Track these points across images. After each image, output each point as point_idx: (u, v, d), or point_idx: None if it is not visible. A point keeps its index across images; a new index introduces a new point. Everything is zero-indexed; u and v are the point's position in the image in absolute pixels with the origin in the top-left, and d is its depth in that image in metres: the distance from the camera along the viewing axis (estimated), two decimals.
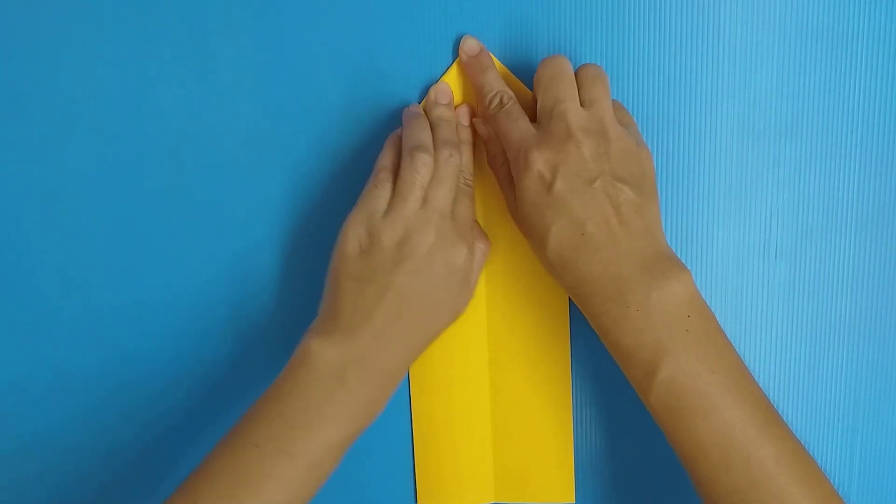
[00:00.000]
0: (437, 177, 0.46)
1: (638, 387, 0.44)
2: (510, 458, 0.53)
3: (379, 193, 0.46)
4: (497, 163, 0.49)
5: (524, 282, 0.52)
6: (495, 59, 0.49)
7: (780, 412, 0.46)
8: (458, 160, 0.47)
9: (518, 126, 0.46)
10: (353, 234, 0.46)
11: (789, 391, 0.53)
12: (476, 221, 0.50)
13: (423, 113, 0.49)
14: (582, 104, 0.45)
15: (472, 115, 0.50)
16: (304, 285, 0.52)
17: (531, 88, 0.49)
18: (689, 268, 0.44)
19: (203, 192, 0.51)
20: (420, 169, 0.45)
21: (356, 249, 0.45)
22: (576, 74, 0.47)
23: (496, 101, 0.47)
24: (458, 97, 0.50)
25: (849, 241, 0.52)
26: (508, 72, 0.50)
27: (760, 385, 0.53)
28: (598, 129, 0.44)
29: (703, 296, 0.48)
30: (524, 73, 0.50)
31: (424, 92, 0.50)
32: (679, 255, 0.51)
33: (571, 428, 0.53)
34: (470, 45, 0.49)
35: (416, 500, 0.54)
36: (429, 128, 0.48)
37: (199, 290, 0.52)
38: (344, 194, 0.50)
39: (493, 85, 0.48)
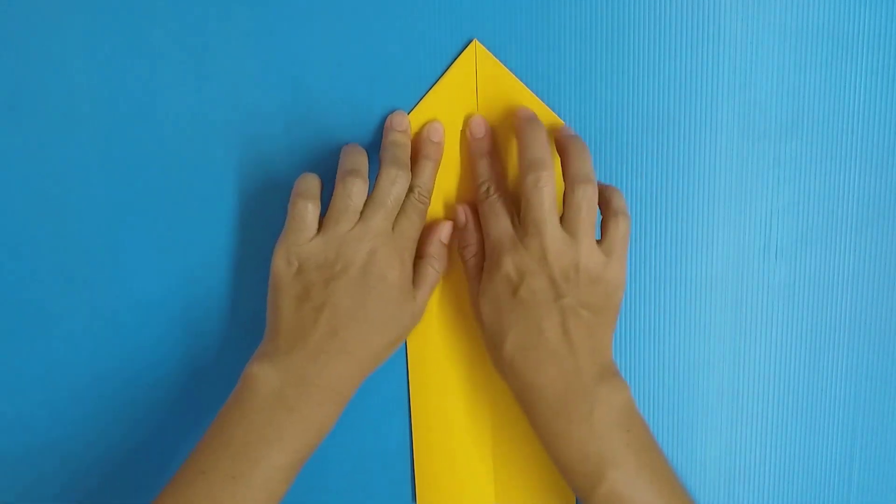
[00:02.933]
0: (375, 199, 0.46)
1: (580, 495, 0.45)
2: (510, 461, 0.53)
3: (306, 212, 0.46)
4: (469, 252, 0.50)
5: None
6: (509, 73, 0.49)
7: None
8: (405, 180, 0.47)
9: (499, 223, 0.47)
10: (282, 256, 0.46)
11: (789, 391, 0.53)
12: (440, 242, 0.50)
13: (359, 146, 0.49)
14: (564, 203, 0.46)
15: (443, 131, 0.50)
16: None
17: (533, 92, 0.49)
18: (627, 381, 0.46)
19: (203, 193, 0.51)
20: (352, 194, 0.46)
21: (288, 270, 0.46)
22: (564, 170, 0.46)
23: (483, 188, 0.48)
24: (446, 114, 0.50)
25: (849, 241, 0.52)
26: (522, 85, 0.50)
27: (760, 384, 0.54)
28: (571, 259, 0.45)
29: (704, 295, 0.50)
30: (522, 73, 0.50)
31: (423, 94, 0.50)
32: (679, 255, 0.52)
33: None
34: (476, 125, 0.49)
35: (415, 503, 0.54)
36: (365, 154, 0.48)
37: (195, 290, 0.52)
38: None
39: (484, 173, 0.49)
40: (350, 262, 0.45)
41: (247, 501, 0.43)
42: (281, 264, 0.46)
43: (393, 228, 0.47)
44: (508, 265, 0.46)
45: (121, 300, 0.52)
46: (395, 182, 0.46)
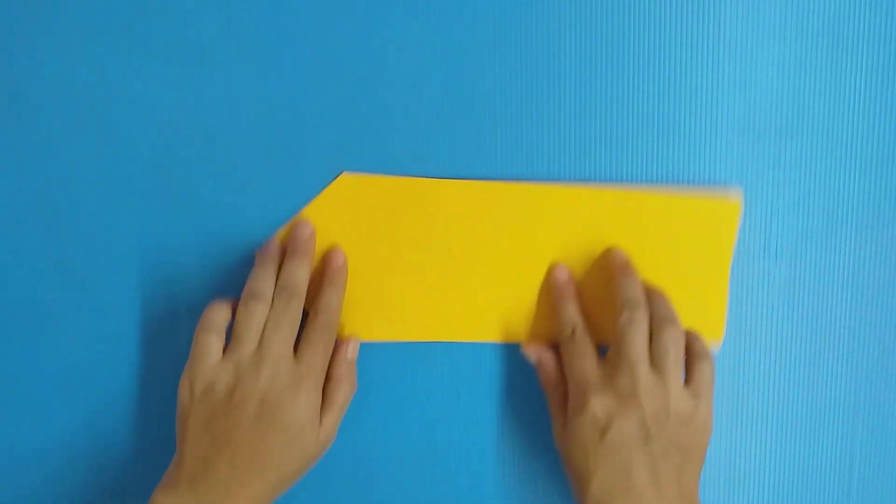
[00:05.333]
0: (271, 322, 0.46)
1: None
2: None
3: (209, 345, 0.46)
4: (552, 385, 0.50)
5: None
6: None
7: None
8: (299, 304, 0.47)
9: (584, 363, 0.47)
10: (185, 385, 0.46)
11: (789, 391, 0.53)
12: (347, 362, 0.49)
13: (269, 258, 0.48)
14: (651, 346, 0.47)
15: (345, 258, 0.50)
16: None
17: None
18: None
19: (203, 192, 0.51)
20: (254, 315, 0.46)
21: (191, 397, 0.46)
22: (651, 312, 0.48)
23: (569, 330, 0.49)
24: (342, 213, 0.50)
25: (849, 241, 0.52)
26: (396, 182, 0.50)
27: (760, 384, 0.53)
28: (662, 400, 0.46)
29: None
30: (518, 72, 0.50)
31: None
32: None
33: None
34: (559, 274, 0.50)
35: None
36: (272, 276, 0.48)
37: (195, 288, 0.52)
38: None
39: (570, 316, 0.49)
40: (249, 393, 0.45)
41: None
42: (184, 392, 0.46)
43: (295, 354, 0.46)
44: (596, 407, 0.46)
45: (120, 299, 0.52)
46: (286, 306, 0.46)
